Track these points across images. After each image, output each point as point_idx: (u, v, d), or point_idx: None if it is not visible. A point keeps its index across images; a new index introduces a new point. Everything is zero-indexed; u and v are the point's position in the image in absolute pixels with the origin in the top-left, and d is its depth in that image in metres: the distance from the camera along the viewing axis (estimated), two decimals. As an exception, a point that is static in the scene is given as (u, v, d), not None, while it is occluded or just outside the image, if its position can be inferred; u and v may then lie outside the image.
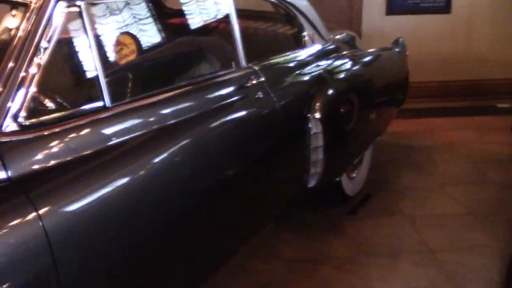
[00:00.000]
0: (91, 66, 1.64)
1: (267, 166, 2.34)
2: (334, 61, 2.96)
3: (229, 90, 2.19)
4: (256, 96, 2.27)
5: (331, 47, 3.07)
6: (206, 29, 2.44)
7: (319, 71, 2.79)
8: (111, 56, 1.91)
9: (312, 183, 2.69)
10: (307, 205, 3.10)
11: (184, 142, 1.87)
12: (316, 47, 2.93)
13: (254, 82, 2.29)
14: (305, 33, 2.87)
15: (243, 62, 2.32)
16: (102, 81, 1.65)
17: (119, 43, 2.20)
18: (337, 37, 3.28)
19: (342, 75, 2.97)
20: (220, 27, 2.46)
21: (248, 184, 2.22)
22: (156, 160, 1.75)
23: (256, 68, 2.37)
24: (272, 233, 2.91)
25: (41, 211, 1.34)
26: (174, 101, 1.92)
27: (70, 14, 1.59)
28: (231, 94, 2.17)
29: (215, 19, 2.39)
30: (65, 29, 1.58)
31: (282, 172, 2.47)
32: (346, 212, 3.22)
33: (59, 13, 1.56)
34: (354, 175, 3.34)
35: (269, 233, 2.86)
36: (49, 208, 1.36)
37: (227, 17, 2.29)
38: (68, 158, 1.49)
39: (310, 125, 2.56)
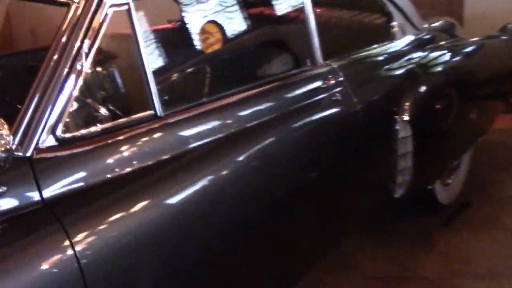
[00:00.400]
0: (140, 70, 1.46)
1: (346, 174, 2.11)
2: (428, 54, 2.63)
3: (302, 92, 1.95)
4: (334, 98, 2.02)
5: (425, 37, 2.73)
6: (275, 22, 2.20)
7: (410, 66, 2.47)
8: (163, 58, 1.74)
9: (398, 193, 2.42)
10: (393, 213, 2.79)
11: (251, 152, 1.68)
12: (408, 39, 2.61)
13: (331, 82, 2.03)
14: (394, 23, 2.55)
15: (319, 59, 2.07)
16: (153, 87, 1.47)
17: (205, 32, 2.05)
18: (433, 25, 2.93)
19: (438, 69, 2.64)
20: (292, 18, 2.20)
21: (326, 193, 2.01)
22: (218, 177, 1.55)
23: (335, 65, 2.11)
24: (352, 244, 2.65)
25: (74, 240, 1.19)
26: (237, 107, 1.71)
27: (116, 14, 1.42)
28: (303, 97, 1.94)
29: (286, 9, 2.14)
30: (111, 31, 1.41)
31: (363, 181, 2.24)
32: (439, 222, 2.89)
33: (104, 13, 1.40)
34: (449, 180, 3.00)
35: (350, 245, 2.61)
36: (84, 237, 1.22)
37: (300, 7, 2.03)
38: (110, 177, 1.34)
39: (397, 128, 2.26)
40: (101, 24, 1.39)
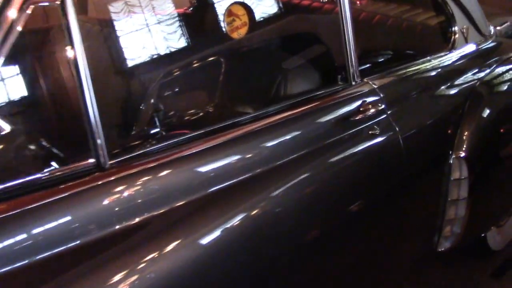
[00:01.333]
0: (77, 98, 0.95)
1: (379, 224, 1.68)
2: (495, 68, 2.11)
3: (328, 124, 1.46)
4: (370, 132, 1.51)
5: (491, 45, 2.19)
6: (295, 28, 1.68)
7: (471, 85, 1.96)
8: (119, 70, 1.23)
9: (444, 246, 1.98)
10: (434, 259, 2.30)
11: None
12: (470, 48, 2.09)
13: (370, 111, 1.50)
14: (455, 28, 2.02)
15: (354, 76, 1.57)
16: (95, 123, 0.96)
17: (231, 14, 1.65)
18: (499, 28, 2.38)
19: (507, 89, 2.11)
20: (321, 21, 1.68)
21: (356, 245, 1.61)
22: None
23: (374, 85, 1.61)
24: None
25: None
26: (224, 150, 1.22)
27: (41, 14, 0.92)
28: (330, 131, 1.45)
29: (313, 10, 1.62)
30: (29, 41, 0.91)
31: (401, 231, 1.79)
32: (488, 273, 2.39)
33: (18, 14, 0.89)
34: (502, 222, 2.46)
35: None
36: None
37: (334, 5, 1.50)
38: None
39: (450, 167, 1.80)
40: (13, 30, 0.88)
